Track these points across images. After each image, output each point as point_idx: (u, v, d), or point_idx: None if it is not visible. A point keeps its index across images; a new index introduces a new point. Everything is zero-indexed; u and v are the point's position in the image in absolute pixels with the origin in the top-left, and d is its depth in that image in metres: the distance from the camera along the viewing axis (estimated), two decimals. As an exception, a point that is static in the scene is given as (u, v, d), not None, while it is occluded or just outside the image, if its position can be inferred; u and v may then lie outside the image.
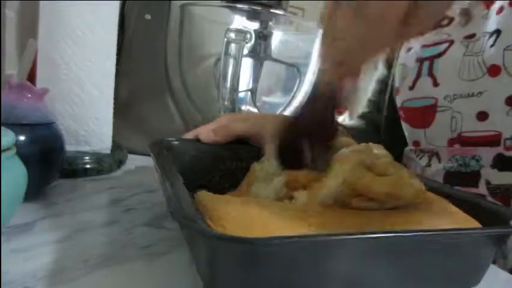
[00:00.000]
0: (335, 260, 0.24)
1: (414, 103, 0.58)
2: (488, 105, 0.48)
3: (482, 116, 0.49)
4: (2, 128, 0.29)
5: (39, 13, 0.47)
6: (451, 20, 0.56)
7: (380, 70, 0.72)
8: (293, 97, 0.66)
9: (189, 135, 0.44)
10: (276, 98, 0.69)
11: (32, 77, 0.47)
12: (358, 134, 0.65)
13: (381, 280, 0.26)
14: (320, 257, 0.23)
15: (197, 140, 0.43)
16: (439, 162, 0.55)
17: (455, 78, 0.52)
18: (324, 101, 0.34)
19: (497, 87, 0.47)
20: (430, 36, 0.57)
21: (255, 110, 0.63)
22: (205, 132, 0.43)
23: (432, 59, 0.56)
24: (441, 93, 0.54)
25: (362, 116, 0.74)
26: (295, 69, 0.65)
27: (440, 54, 0.55)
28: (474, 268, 0.29)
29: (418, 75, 0.57)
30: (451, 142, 0.53)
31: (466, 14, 0.54)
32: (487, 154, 0.49)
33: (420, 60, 0.57)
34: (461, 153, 0.52)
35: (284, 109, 0.66)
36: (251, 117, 0.50)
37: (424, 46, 0.57)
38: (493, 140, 0.48)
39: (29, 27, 0.59)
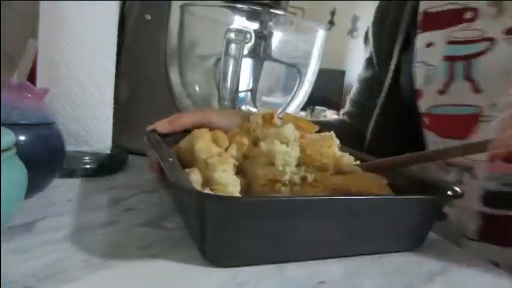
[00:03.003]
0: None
1: (446, 110, 0.51)
2: None
3: None
4: (2, 128, 0.29)
5: (39, 13, 0.47)
6: (475, 11, 0.49)
7: (366, 69, 0.68)
8: (293, 97, 0.66)
9: (150, 128, 0.48)
10: (276, 98, 0.69)
11: (32, 77, 0.47)
12: (338, 133, 0.60)
13: (328, 238, 0.33)
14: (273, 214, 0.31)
15: (154, 131, 0.47)
16: (474, 178, 0.48)
17: (502, 84, 0.45)
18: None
19: None
20: (455, 32, 0.50)
21: (255, 110, 0.63)
22: (161, 124, 0.48)
23: (468, 59, 0.48)
24: (485, 101, 0.47)
25: (347, 114, 0.71)
26: (295, 69, 0.65)
27: (478, 54, 0.47)
28: (413, 230, 0.37)
29: (451, 78, 0.50)
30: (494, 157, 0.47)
31: (495, 4, 0.47)
32: None
33: (451, 59, 0.50)
34: (504, 170, 0.45)
35: (284, 109, 0.66)
36: (202, 109, 0.55)
37: (452, 43, 0.50)
38: None
39: (29, 27, 0.59)
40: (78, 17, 0.48)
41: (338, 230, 0.33)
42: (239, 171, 0.38)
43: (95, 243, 0.32)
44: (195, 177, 0.35)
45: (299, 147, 0.37)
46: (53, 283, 0.26)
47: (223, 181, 0.35)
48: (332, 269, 0.32)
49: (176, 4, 0.62)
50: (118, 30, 0.53)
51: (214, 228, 0.29)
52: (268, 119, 0.39)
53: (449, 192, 0.36)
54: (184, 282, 0.28)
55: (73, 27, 0.48)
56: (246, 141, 0.38)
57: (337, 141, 0.39)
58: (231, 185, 0.35)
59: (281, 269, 0.31)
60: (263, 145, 0.36)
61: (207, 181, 0.36)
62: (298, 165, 0.36)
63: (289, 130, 0.37)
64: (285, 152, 0.35)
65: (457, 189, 0.36)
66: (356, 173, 0.38)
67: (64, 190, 0.42)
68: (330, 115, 3.33)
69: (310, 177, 0.36)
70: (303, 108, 0.82)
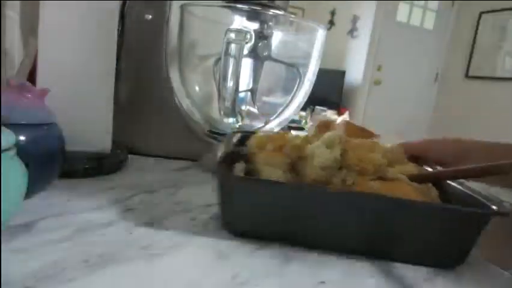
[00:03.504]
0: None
1: None
2: None
3: None
4: (2, 128, 0.29)
5: (39, 13, 0.47)
6: None
7: None
8: (293, 97, 0.66)
9: None
10: (276, 98, 0.69)
11: (32, 77, 0.47)
12: None
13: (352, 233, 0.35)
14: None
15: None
16: None
17: None
18: None
19: None
20: None
21: (255, 110, 0.63)
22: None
23: None
24: None
25: None
26: (295, 69, 0.65)
27: None
28: (455, 247, 0.35)
29: None
30: None
31: None
32: None
33: None
34: None
35: (284, 109, 0.66)
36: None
37: None
38: None
39: (29, 27, 0.59)
40: (78, 17, 0.48)
41: (348, 226, 0.35)
42: (292, 170, 0.40)
43: (95, 243, 0.32)
44: (239, 167, 0.40)
45: (342, 151, 0.39)
46: (53, 283, 0.26)
47: (266, 174, 0.38)
48: (332, 269, 0.32)
49: (176, 4, 0.62)
50: (118, 30, 0.53)
51: (226, 200, 0.36)
52: (326, 127, 0.43)
53: (493, 207, 0.33)
54: (183, 282, 0.28)
55: (72, 27, 0.48)
56: (297, 141, 0.41)
57: (383, 148, 0.41)
58: (273, 178, 0.38)
59: (281, 269, 0.31)
60: (309, 148, 0.39)
61: (257, 174, 0.40)
62: (340, 168, 0.38)
63: (333, 134, 0.39)
64: (323, 154, 0.37)
65: (505, 205, 0.33)
66: (398, 180, 0.38)
67: (64, 190, 0.43)
68: (330, 115, 3.31)
69: (349, 181, 0.37)
70: (303, 108, 0.82)
